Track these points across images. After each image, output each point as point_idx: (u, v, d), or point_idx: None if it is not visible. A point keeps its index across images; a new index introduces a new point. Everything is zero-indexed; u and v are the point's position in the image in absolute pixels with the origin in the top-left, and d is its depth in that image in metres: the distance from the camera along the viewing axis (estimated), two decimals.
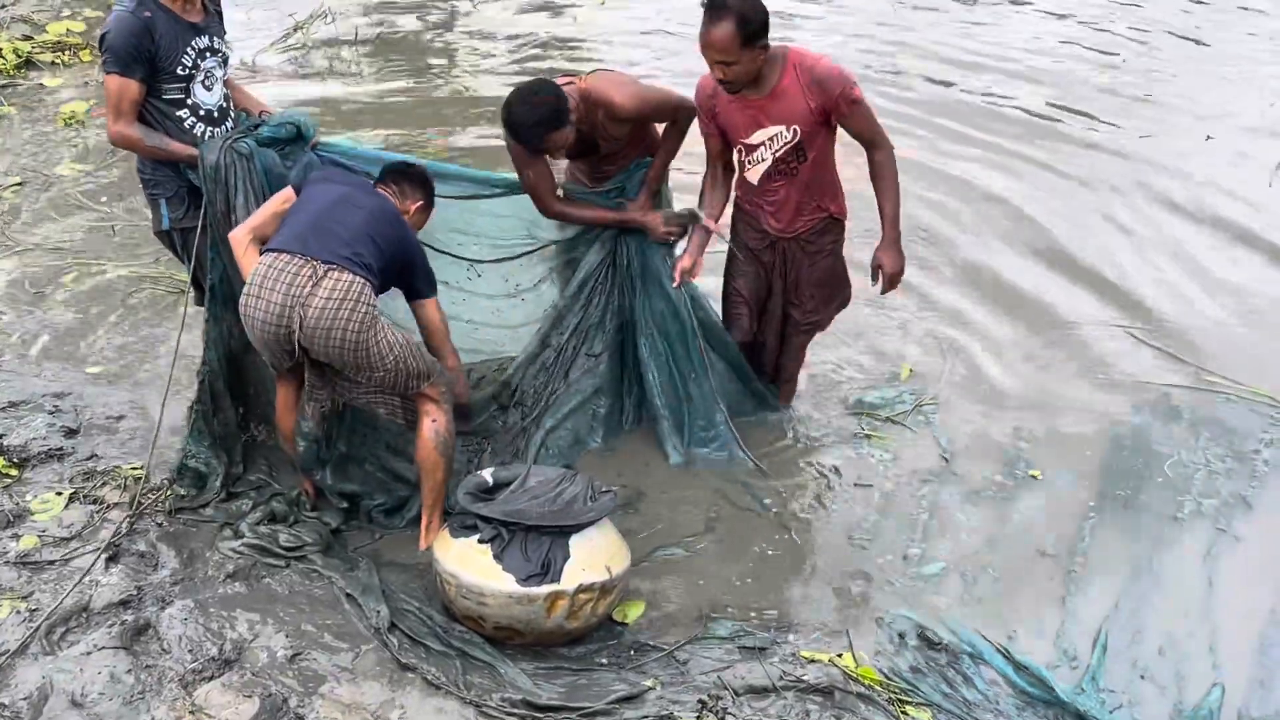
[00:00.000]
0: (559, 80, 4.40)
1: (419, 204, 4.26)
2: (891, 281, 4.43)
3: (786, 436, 4.98)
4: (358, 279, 3.85)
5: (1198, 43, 10.06)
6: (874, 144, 4.27)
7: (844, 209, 4.54)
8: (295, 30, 9.57)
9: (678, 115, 4.49)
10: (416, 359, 4.04)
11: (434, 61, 9.24)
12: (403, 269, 4.11)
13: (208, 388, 4.39)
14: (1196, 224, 6.91)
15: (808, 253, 4.56)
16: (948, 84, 9.00)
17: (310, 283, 3.82)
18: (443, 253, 4.74)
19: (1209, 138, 8.03)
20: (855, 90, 4.12)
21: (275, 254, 3.90)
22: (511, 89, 4.28)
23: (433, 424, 4.13)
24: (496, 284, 4.98)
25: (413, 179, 4.30)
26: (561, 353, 4.77)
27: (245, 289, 3.93)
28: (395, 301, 4.30)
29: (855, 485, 4.71)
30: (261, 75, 8.71)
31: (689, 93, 4.44)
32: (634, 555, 3.99)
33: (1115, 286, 6.26)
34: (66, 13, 9.62)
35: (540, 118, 4.16)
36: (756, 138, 4.27)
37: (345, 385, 4.12)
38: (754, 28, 3.94)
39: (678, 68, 9.12)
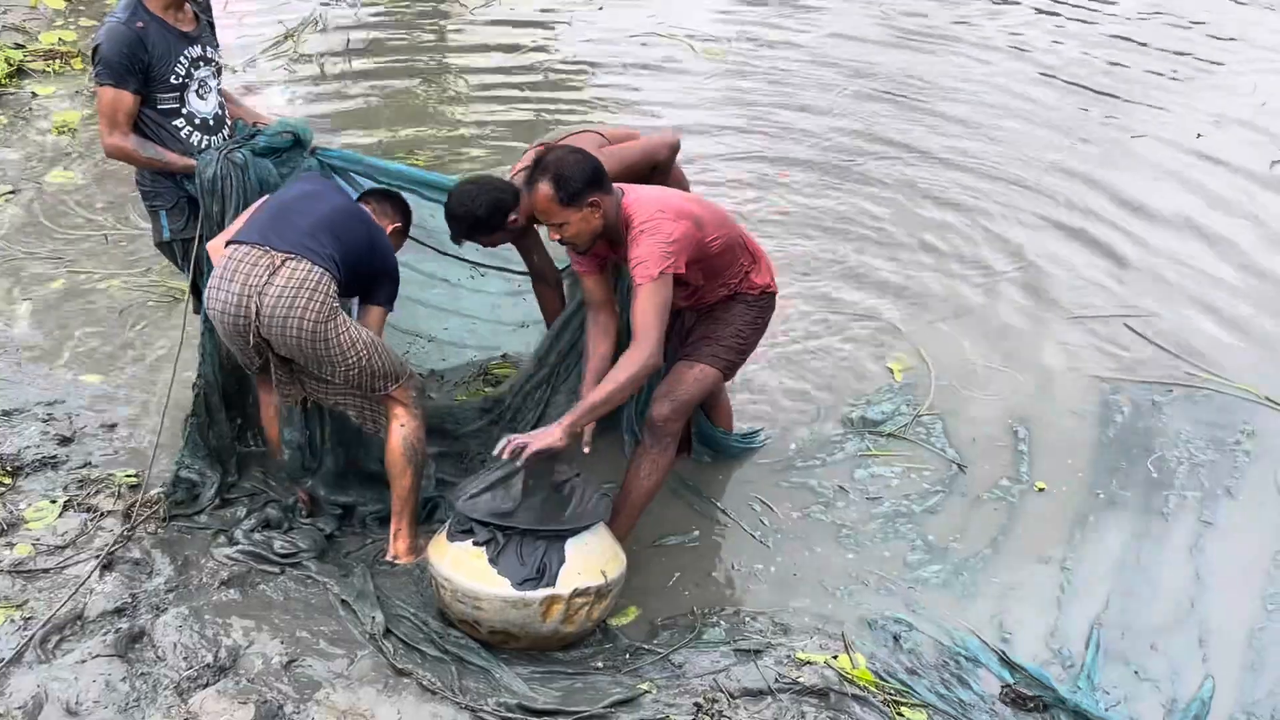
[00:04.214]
0: (522, 163, 4.44)
1: (396, 226, 4.30)
2: (531, 455, 3.71)
3: (789, 453, 4.98)
4: (316, 268, 3.82)
5: (1187, 43, 10.11)
6: (635, 333, 3.81)
7: (756, 285, 4.24)
8: (286, 38, 9.55)
9: (655, 161, 4.50)
10: (383, 358, 3.99)
11: (427, 69, 9.22)
12: (368, 272, 4.08)
13: (203, 400, 4.39)
14: (1182, 222, 6.94)
15: (705, 314, 4.28)
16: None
17: (267, 272, 3.80)
18: (446, 254, 4.76)
19: (1199, 136, 8.05)
20: (653, 269, 3.76)
21: (236, 246, 3.90)
22: (464, 178, 4.39)
23: (401, 429, 4.09)
24: (497, 282, 5.01)
25: (395, 202, 4.34)
26: (555, 371, 4.77)
27: (208, 283, 3.93)
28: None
29: (856, 496, 4.72)
30: (252, 83, 8.68)
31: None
32: (628, 558, 3.98)
33: (1101, 281, 6.33)
34: (59, 21, 9.61)
35: (472, 220, 4.26)
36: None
37: (313, 384, 4.09)
38: (574, 188, 3.74)
39: (674, 70, 9.16)
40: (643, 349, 3.75)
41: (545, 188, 3.76)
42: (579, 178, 3.76)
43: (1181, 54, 9.77)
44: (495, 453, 3.74)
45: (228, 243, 3.97)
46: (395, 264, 4.18)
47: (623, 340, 4.08)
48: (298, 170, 4.29)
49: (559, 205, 3.77)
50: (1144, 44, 10.02)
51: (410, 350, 5.08)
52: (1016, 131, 8.21)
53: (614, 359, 3.98)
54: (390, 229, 4.26)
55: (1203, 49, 9.98)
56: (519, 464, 3.70)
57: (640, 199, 3.91)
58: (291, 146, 4.30)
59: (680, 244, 3.83)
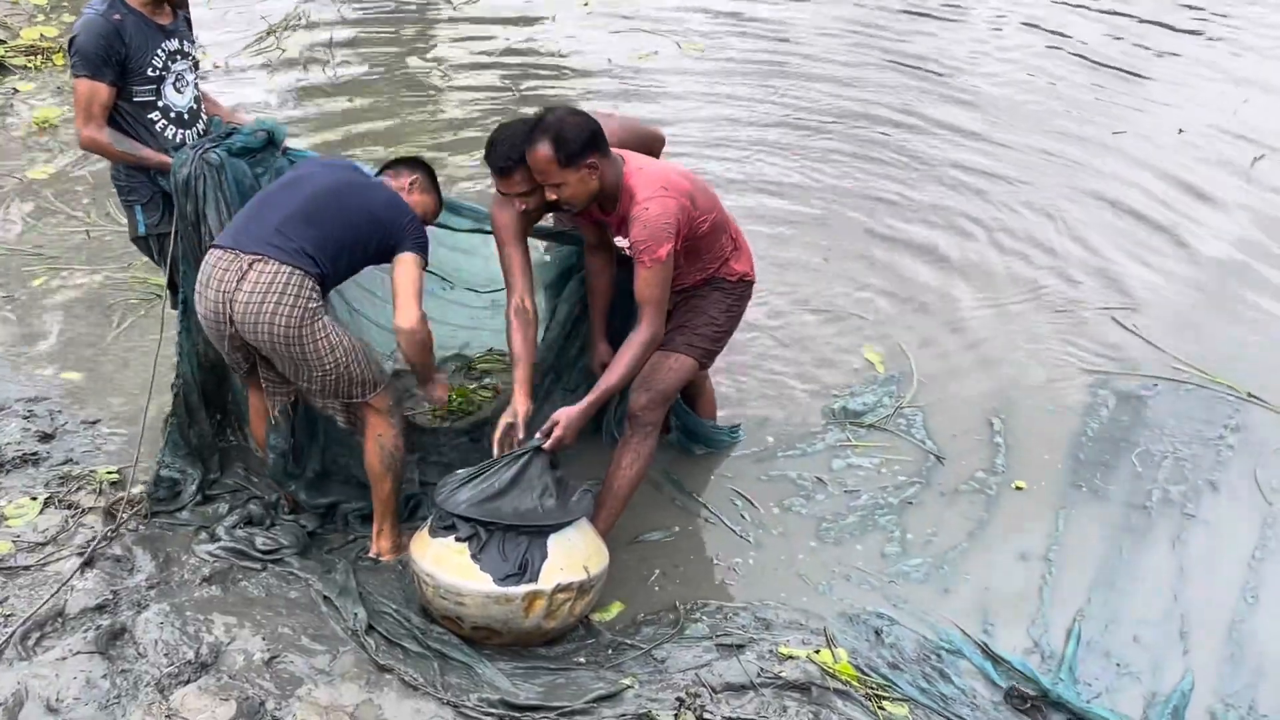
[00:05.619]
0: None
1: (414, 179, 4.14)
2: (556, 441, 3.86)
3: (769, 445, 4.98)
4: (285, 268, 3.72)
5: (1170, 35, 10.15)
6: (641, 313, 3.96)
7: (735, 271, 4.31)
8: (269, 34, 9.52)
9: (650, 149, 4.55)
10: (362, 366, 3.90)
11: (409, 65, 9.21)
12: (380, 238, 3.92)
13: (182, 400, 4.37)
14: (1168, 218, 6.96)
15: (681, 302, 4.30)
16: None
17: (237, 276, 3.74)
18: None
19: (1181, 131, 8.08)
20: (659, 251, 3.86)
21: (213, 249, 3.86)
22: (501, 120, 4.26)
23: (378, 438, 4.04)
24: (470, 297, 4.99)
25: (408, 161, 4.22)
26: (539, 390, 4.74)
27: (195, 289, 3.90)
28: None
29: (836, 489, 4.73)
30: (233, 79, 8.66)
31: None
32: (610, 553, 3.98)
33: (1084, 275, 6.36)
34: (40, 17, 9.56)
35: (522, 152, 3.92)
36: (620, 242, 4.09)
37: (302, 385, 3.99)
38: (573, 149, 3.76)
39: (658, 66, 9.16)
40: (647, 328, 3.93)
41: (544, 148, 3.78)
42: (578, 139, 3.79)
43: (1160, 57, 9.81)
44: (533, 444, 3.85)
45: (210, 246, 3.94)
46: (412, 218, 3.98)
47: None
48: (270, 170, 4.25)
49: (557, 166, 3.80)
50: (1122, 39, 10.08)
51: (396, 351, 5.04)
52: (1010, 121, 8.27)
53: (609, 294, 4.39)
54: (409, 182, 4.11)
55: (1193, 42, 10.05)
56: (544, 447, 3.83)
57: (644, 171, 3.97)
58: (265, 146, 4.25)
59: (678, 221, 3.91)
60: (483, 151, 4.11)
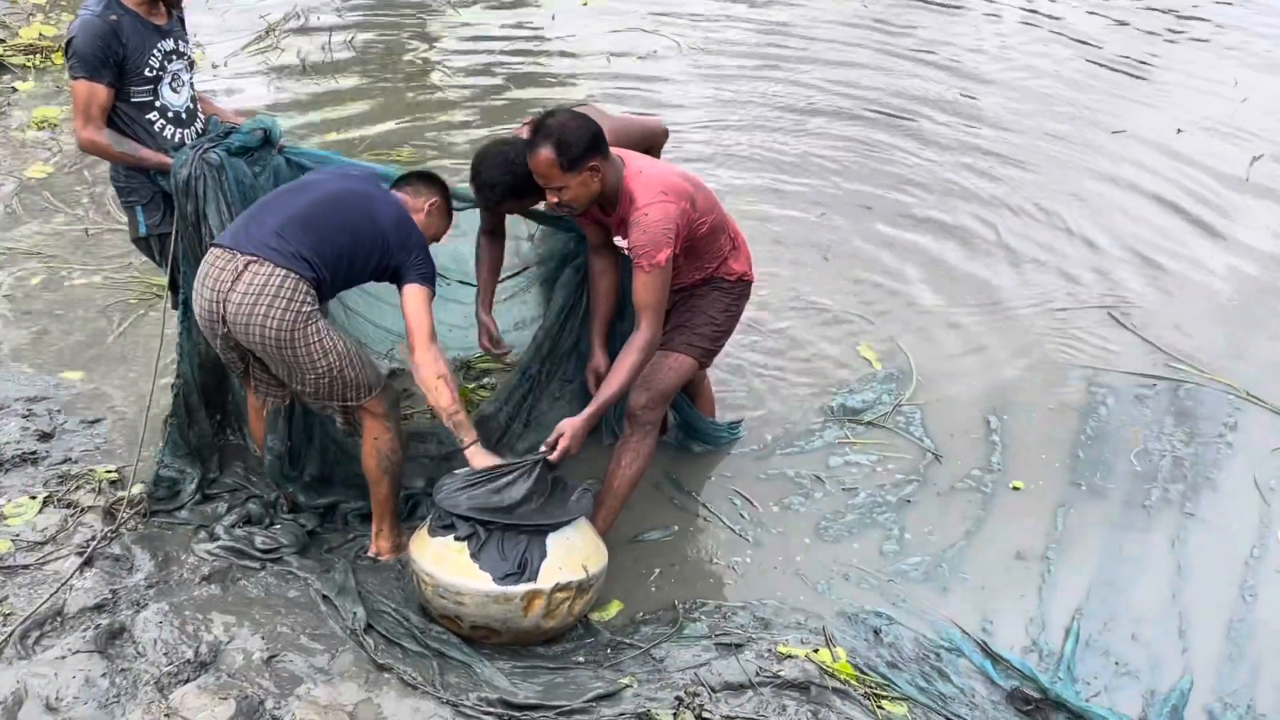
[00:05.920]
0: (526, 124, 4.28)
1: (433, 201, 4.10)
2: (563, 452, 3.85)
3: (768, 443, 4.99)
4: (279, 270, 3.70)
5: (1169, 39, 10.15)
6: (639, 317, 3.94)
7: (733, 271, 4.31)
8: (268, 33, 9.52)
9: (650, 143, 4.55)
10: (356, 369, 3.88)
11: (409, 64, 9.21)
12: (382, 255, 3.88)
13: (181, 400, 4.37)
14: (1167, 216, 6.98)
15: (680, 302, 4.31)
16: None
17: (232, 276, 3.72)
18: None
19: (1179, 131, 8.08)
20: (657, 256, 3.85)
21: (213, 248, 3.85)
22: (489, 142, 4.21)
23: (374, 441, 4.02)
24: (466, 292, 4.98)
25: (426, 178, 4.19)
26: (536, 380, 4.75)
27: (194, 287, 3.89)
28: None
29: (834, 487, 4.73)
30: (233, 78, 8.66)
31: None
32: (609, 553, 3.98)
33: (1083, 272, 6.37)
34: (39, 16, 9.56)
35: (507, 185, 4.03)
36: (620, 242, 4.09)
37: (296, 387, 3.97)
38: (575, 153, 3.75)
39: (656, 58, 9.17)
40: (646, 332, 3.90)
41: (547, 152, 3.77)
42: (580, 142, 3.77)
43: (1156, 56, 9.80)
44: (538, 455, 3.83)
45: (210, 244, 3.93)
46: (420, 245, 3.95)
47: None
48: (268, 168, 4.24)
49: (560, 170, 3.79)
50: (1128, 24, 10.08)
51: (394, 350, 5.06)
52: (1009, 113, 8.28)
53: (613, 295, 4.34)
54: (426, 206, 4.08)
55: (1193, 31, 10.05)
56: (551, 459, 3.81)
57: (644, 175, 3.95)
58: (262, 145, 4.23)
59: (678, 226, 3.91)
60: (475, 149, 4.11)
